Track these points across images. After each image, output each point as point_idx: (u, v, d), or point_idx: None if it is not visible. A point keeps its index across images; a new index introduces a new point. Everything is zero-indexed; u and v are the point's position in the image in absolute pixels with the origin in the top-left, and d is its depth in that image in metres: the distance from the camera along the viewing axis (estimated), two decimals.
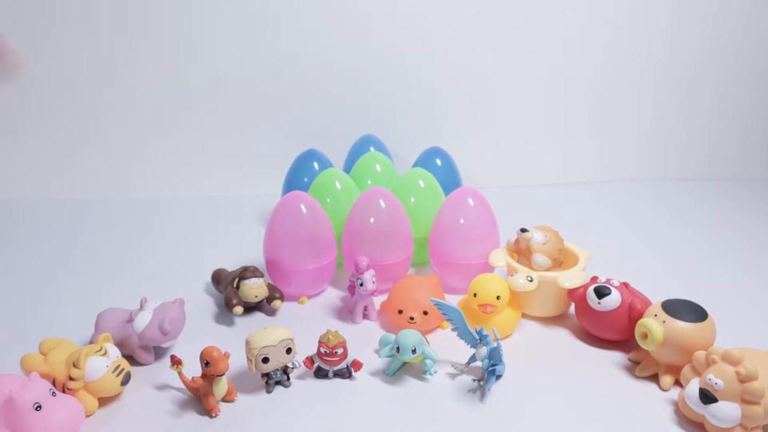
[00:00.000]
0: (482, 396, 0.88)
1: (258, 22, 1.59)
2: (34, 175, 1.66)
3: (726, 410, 0.77)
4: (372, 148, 1.47)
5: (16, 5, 1.52)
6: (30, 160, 1.66)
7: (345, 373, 0.92)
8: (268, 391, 0.89)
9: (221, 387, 0.84)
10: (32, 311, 1.10)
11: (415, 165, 1.43)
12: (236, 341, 0.92)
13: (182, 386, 0.89)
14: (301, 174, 1.38)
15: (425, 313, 1.00)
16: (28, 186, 1.66)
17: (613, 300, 0.96)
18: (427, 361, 0.92)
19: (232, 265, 1.18)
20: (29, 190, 1.65)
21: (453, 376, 0.93)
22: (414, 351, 0.89)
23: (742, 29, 1.70)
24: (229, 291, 1.08)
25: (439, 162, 1.41)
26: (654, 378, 0.92)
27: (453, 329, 0.94)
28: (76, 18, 1.55)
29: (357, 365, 0.91)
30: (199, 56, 1.61)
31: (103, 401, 0.86)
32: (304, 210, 1.09)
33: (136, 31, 1.58)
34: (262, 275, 1.08)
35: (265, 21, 1.59)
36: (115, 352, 0.87)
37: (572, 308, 1.07)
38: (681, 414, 0.84)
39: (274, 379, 0.89)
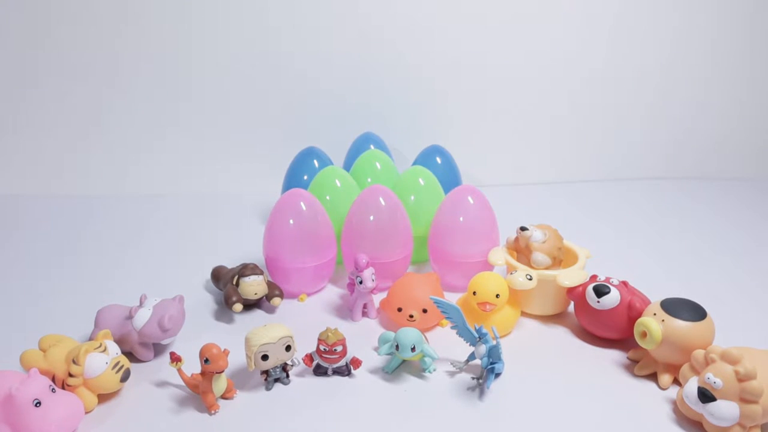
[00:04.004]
0: (481, 394, 0.88)
1: (258, 19, 1.59)
2: (34, 171, 1.66)
3: (724, 409, 0.77)
4: (372, 146, 1.46)
5: (18, 1, 1.52)
6: (30, 157, 1.66)
7: (344, 371, 0.92)
8: (268, 389, 0.89)
9: (220, 384, 0.84)
10: (32, 308, 1.10)
11: (415, 163, 1.43)
12: (236, 338, 0.92)
13: (181, 383, 0.89)
14: (301, 171, 1.38)
15: (424, 311, 1.00)
16: (28, 182, 1.66)
17: (612, 299, 0.96)
18: (426, 359, 0.93)
19: (231, 263, 1.18)
20: (29, 187, 1.65)
21: (452, 374, 0.93)
22: (413, 349, 0.89)
23: (744, 28, 1.70)
24: (228, 288, 1.07)
25: (439, 160, 1.41)
26: (653, 377, 0.92)
27: (452, 327, 0.94)
28: (77, 14, 1.55)
29: (356, 363, 0.91)
30: (199, 54, 1.61)
31: (103, 398, 0.86)
32: (303, 207, 1.10)
33: (137, 29, 1.57)
34: (261, 272, 1.08)
35: (265, 18, 1.59)
36: (114, 349, 0.87)
37: (571, 307, 1.07)
38: (679, 413, 0.84)
39: (274, 376, 0.89)
